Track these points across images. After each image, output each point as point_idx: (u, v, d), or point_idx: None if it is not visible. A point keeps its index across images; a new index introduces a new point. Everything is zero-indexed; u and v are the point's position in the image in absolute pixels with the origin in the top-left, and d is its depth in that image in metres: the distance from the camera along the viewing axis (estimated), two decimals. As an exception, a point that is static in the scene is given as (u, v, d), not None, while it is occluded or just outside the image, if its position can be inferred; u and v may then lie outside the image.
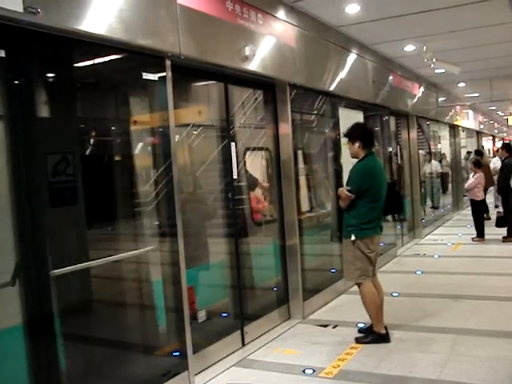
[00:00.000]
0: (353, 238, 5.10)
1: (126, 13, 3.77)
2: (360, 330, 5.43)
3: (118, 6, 3.72)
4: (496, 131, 27.60)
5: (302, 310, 6.13)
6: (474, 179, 10.54)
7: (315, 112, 7.34)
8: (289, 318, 6.11)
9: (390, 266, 8.85)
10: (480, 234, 10.58)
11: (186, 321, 4.38)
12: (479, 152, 14.67)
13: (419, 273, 8.07)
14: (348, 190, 5.11)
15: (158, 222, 4.60)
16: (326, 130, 7.70)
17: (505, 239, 10.28)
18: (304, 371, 4.60)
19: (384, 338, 5.17)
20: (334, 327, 5.64)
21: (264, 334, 5.63)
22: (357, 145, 5.21)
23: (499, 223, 10.52)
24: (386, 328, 5.22)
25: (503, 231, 10.40)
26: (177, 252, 4.35)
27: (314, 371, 4.59)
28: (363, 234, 5.10)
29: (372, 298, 5.19)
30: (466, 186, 10.93)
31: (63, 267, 3.57)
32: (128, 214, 4.61)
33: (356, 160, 5.30)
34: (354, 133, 5.26)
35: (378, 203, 5.15)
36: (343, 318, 5.91)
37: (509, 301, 6.36)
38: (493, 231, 10.59)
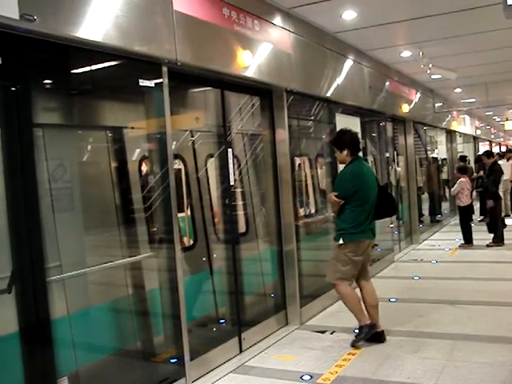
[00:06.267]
0: (340, 242, 5.15)
1: (122, 19, 3.78)
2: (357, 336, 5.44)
3: (114, 13, 3.73)
4: (493, 136, 27.64)
5: (300, 316, 6.12)
6: (457, 185, 10.55)
7: (312, 118, 7.35)
8: (286, 324, 6.10)
9: (387, 271, 8.86)
10: (468, 240, 10.57)
11: (183, 327, 4.38)
12: (463, 158, 14.78)
13: (416, 278, 8.08)
14: (336, 195, 5.16)
15: (154, 229, 4.60)
16: (323, 136, 7.71)
17: (490, 245, 10.38)
18: (301, 377, 4.59)
19: (373, 327, 5.24)
20: (331, 333, 5.64)
21: (261, 340, 5.62)
22: (345, 152, 5.27)
23: (491, 229, 10.67)
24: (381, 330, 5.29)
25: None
26: (174, 259, 4.35)
27: (311, 377, 4.58)
28: (353, 238, 5.14)
29: (350, 295, 5.26)
30: (452, 191, 11.01)
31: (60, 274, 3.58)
32: (126, 220, 4.60)
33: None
34: (341, 140, 5.32)
35: (367, 206, 5.18)
36: (341, 324, 5.91)
37: (506, 306, 6.36)
38: (484, 236, 10.64)
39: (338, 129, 7.37)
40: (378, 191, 5.37)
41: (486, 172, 11.29)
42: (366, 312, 5.30)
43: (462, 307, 6.38)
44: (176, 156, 4.98)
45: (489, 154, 11.52)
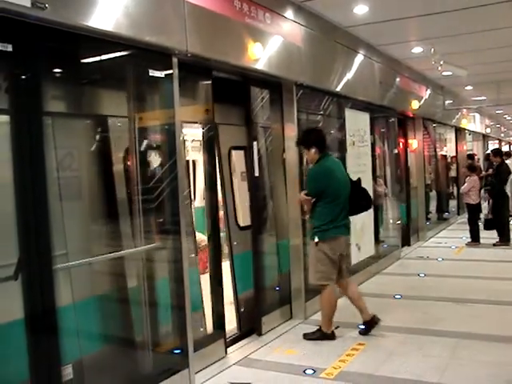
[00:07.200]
0: (316, 240, 5.17)
1: (132, 9, 3.77)
2: (361, 332, 5.45)
3: (124, 3, 3.72)
4: (502, 135, 27.48)
5: (304, 311, 6.13)
6: (467, 183, 10.60)
7: (321, 112, 7.32)
8: (290, 318, 6.11)
9: (393, 268, 8.85)
10: (474, 238, 10.60)
11: (187, 318, 4.39)
12: (471, 156, 14.73)
13: (422, 275, 8.06)
14: (306, 194, 5.23)
15: (161, 220, 4.59)
16: (332, 131, 7.68)
17: (496, 244, 10.36)
18: (305, 371, 4.60)
19: (329, 337, 5.35)
20: (335, 328, 5.62)
21: (266, 333, 5.63)
22: (313, 151, 5.29)
23: (488, 226, 10.68)
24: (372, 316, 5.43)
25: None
26: (179, 250, 4.36)
27: (314, 372, 4.58)
28: (326, 235, 5.18)
29: (329, 303, 5.34)
30: (461, 190, 11.11)
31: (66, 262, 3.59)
32: (133, 211, 4.59)
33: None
34: (309, 139, 5.36)
35: (338, 202, 5.20)
36: (345, 320, 5.88)
37: (511, 305, 6.34)
38: (491, 235, 10.60)
39: (347, 123, 7.41)
40: (351, 187, 5.39)
41: (494, 171, 11.30)
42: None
43: (467, 305, 6.37)
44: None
45: (496, 152, 11.51)
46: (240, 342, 5.43)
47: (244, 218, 5.86)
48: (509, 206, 10.88)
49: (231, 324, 5.53)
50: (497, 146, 24.56)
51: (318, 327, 5.47)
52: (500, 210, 10.53)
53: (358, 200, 5.43)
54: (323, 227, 5.16)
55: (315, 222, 5.24)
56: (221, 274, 5.13)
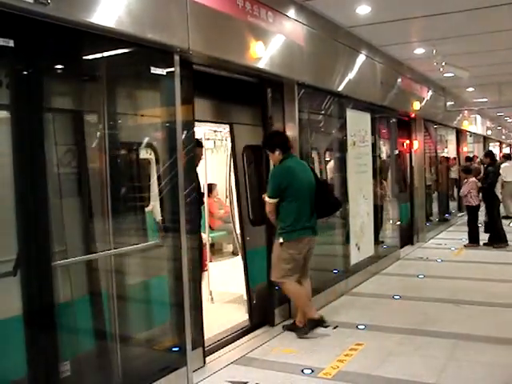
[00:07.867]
0: (280, 240, 5.23)
1: (134, 6, 3.77)
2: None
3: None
4: (503, 137, 27.47)
5: (303, 310, 6.11)
6: (466, 186, 10.61)
7: (322, 112, 7.31)
8: (289, 318, 6.10)
9: (392, 268, 8.85)
10: (473, 240, 10.60)
11: (186, 316, 4.38)
12: (469, 158, 14.75)
13: (421, 276, 8.06)
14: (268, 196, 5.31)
15: (161, 217, 4.59)
16: (333, 131, 7.68)
17: (496, 246, 10.36)
18: (303, 371, 4.59)
19: (318, 322, 5.40)
20: (334, 328, 5.63)
21: (264, 332, 5.64)
22: (276, 153, 5.38)
23: (487, 229, 10.68)
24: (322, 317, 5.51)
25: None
26: (179, 247, 4.35)
27: (312, 371, 4.58)
28: (291, 236, 5.23)
29: (298, 293, 5.41)
30: (461, 192, 11.15)
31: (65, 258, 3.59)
32: (134, 208, 4.59)
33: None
34: (272, 142, 5.44)
35: (300, 202, 5.25)
36: (344, 319, 5.91)
37: (510, 307, 6.34)
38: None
39: (348, 123, 7.41)
40: (317, 188, 5.43)
41: (484, 173, 11.36)
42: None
43: (465, 307, 6.37)
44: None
45: (487, 153, 11.60)
46: (252, 333, 5.61)
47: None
48: (499, 208, 10.88)
49: (244, 316, 5.85)
50: (497, 148, 24.60)
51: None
52: (491, 212, 10.54)
53: (323, 202, 5.48)
54: (288, 228, 5.22)
55: (280, 223, 5.31)
56: (200, 277, 5.02)
